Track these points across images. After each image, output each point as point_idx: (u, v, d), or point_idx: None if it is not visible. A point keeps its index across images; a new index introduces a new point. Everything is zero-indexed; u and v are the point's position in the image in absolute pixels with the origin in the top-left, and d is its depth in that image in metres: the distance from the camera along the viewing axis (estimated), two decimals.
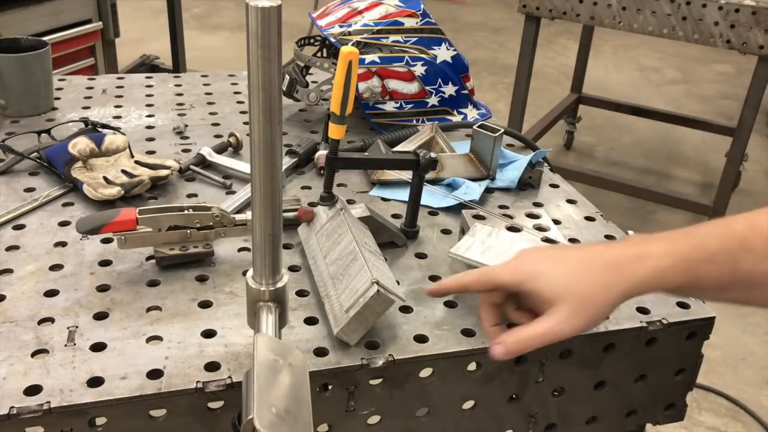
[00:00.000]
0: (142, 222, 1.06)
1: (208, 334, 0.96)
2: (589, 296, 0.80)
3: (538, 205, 1.36)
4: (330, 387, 0.92)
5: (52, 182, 1.31)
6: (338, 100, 1.07)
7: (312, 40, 1.72)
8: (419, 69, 1.59)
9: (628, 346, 1.04)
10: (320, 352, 0.94)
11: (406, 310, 1.04)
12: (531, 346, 0.83)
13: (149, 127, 1.57)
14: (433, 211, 1.31)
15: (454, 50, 1.64)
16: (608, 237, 1.26)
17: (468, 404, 1.00)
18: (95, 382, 0.86)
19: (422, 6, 1.64)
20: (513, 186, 1.40)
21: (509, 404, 1.03)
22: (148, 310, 1.00)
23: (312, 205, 1.22)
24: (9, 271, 1.07)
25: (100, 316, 0.98)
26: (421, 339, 0.98)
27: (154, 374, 0.88)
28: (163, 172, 1.31)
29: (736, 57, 3.06)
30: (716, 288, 0.82)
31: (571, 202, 1.39)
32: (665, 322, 1.04)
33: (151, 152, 1.46)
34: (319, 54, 1.71)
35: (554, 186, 1.44)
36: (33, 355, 0.90)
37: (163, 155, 1.44)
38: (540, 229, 1.24)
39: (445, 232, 1.25)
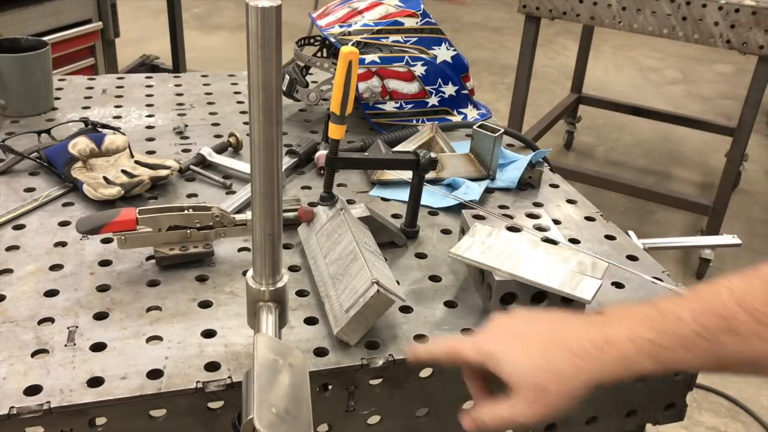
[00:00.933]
0: (142, 222, 1.06)
1: (208, 334, 0.96)
2: (549, 386, 0.75)
3: (538, 205, 1.36)
4: (330, 387, 0.92)
5: (52, 182, 1.31)
6: (338, 100, 1.07)
7: (312, 40, 1.72)
8: (419, 69, 1.59)
9: None
10: (320, 352, 0.94)
11: (406, 310, 1.04)
12: (494, 428, 0.80)
13: (149, 127, 1.57)
14: (433, 211, 1.31)
15: (454, 50, 1.64)
16: (608, 237, 1.26)
17: (468, 404, 1.00)
18: (95, 382, 0.86)
19: (422, 6, 1.64)
20: (513, 186, 1.40)
21: None
22: (148, 310, 1.00)
23: (312, 205, 1.22)
24: (9, 271, 1.07)
25: (100, 316, 0.98)
26: (421, 339, 0.98)
27: (154, 374, 0.88)
28: (163, 172, 1.31)
29: (736, 57, 3.06)
30: (700, 369, 0.74)
31: (571, 202, 1.39)
32: None
33: (151, 152, 1.46)
34: (319, 54, 1.71)
35: (554, 186, 1.44)
36: (33, 355, 0.90)
37: (163, 155, 1.44)
38: (540, 229, 1.24)
39: (445, 232, 1.25)
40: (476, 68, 5.15)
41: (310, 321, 1.00)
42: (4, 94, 1.56)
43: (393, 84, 1.58)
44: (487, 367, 0.80)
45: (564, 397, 0.75)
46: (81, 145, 1.32)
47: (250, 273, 0.86)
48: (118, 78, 1.84)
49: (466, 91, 1.67)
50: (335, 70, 1.07)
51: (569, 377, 0.74)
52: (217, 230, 1.11)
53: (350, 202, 1.31)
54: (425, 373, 0.96)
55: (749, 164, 3.92)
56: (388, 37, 1.59)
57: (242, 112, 1.68)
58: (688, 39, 2.80)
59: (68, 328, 0.95)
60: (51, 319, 0.97)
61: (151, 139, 1.52)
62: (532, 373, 0.76)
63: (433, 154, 1.18)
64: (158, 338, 0.95)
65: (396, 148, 1.45)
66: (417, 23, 1.61)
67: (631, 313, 0.75)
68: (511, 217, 1.27)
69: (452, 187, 1.38)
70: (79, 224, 1.07)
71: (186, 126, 1.57)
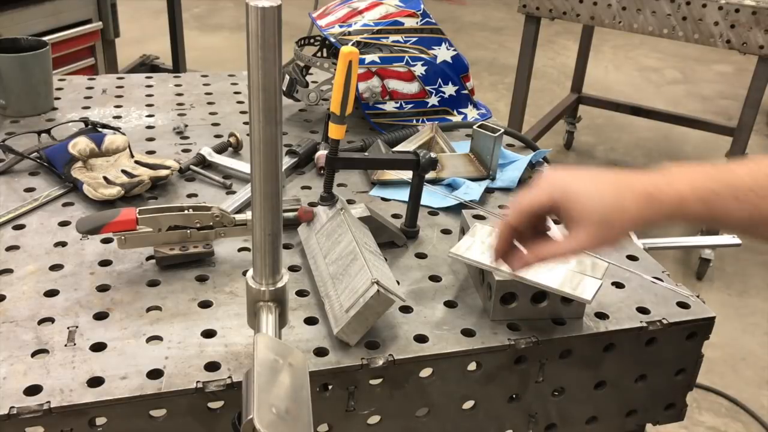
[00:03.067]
0: (142, 222, 1.06)
1: (208, 334, 0.96)
2: (614, 221, 0.83)
3: None
4: (330, 387, 0.92)
5: (52, 182, 1.31)
6: (338, 100, 1.07)
7: (312, 40, 1.72)
8: (419, 69, 1.59)
9: (628, 346, 1.04)
10: (320, 352, 0.94)
11: (406, 310, 1.04)
12: (548, 259, 0.88)
13: (149, 127, 1.57)
14: (433, 211, 1.31)
15: (454, 50, 1.64)
16: None
17: (468, 404, 1.00)
18: (95, 382, 0.86)
19: (422, 6, 1.64)
20: (513, 186, 1.40)
21: (509, 404, 1.03)
22: (148, 310, 1.00)
23: (312, 205, 1.22)
24: (9, 271, 1.07)
25: (100, 316, 0.98)
26: (421, 339, 0.98)
27: (154, 374, 0.88)
28: (163, 172, 1.31)
29: (736, 57, 3.06)
30: (741, 225, 0.82)
31: None
32: (665, 322, 1.04)
33: (151, 152, 1.46)
34: (319, 54, 1.71)
35: None
36: (33, 355, 0.90)
37: (163, 155, 1.44)
38: None
39: (445, 232, 1.25)
40: (476, 68, 5.15)
41: (310, 321, 1.00)
42: (4, 94, 1.56)
43: (393, 84, 1.58)
44: (559, 204, 0.86)
45: (623, 232, 0.85)
46: (81, 145, 1.32)
47: (250, 273, 0.86)
48: (118, 78, 1.84)
49: (466, 91, 1.67)
50: (335, 70, 1.07)
51: (632, 214, 0.83)
52: (217, 230, 1.11)
53: (350, 202, 1.31)
54: (425, 373, 0.96)
55: None
56: (388, 37, 1.59)
57: (242, 112, 1.68)
58: (688, 39, 2.80)
59: (68, 328, 0.95)
60: (51, 319, 0.97)
61: (151, 139, 1.52)
62: (603, 208, 0.83)
63: (433, 154, 1.18)
64: (158, 338, 0.95)
65: (396, 148, 1.45)
66: (417, 23, 1.61)
67: (693, 167, 0.84)
68: None
69: (452, 187, 1.38)
70: (79, 224, 1.07)
71: (186, 126, 1.57)
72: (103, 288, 1.04)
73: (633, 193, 0.83)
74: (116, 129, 1.50)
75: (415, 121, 1.62)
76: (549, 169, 0.90)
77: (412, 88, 1.60)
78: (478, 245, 1.06)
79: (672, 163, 0.86)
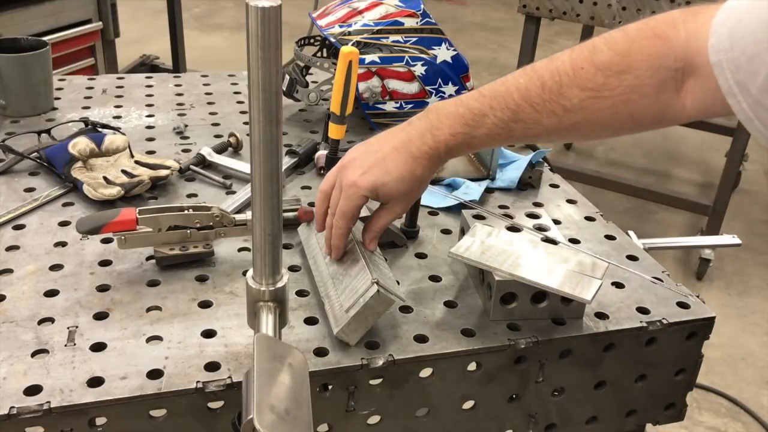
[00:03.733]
0: (142, 222, 1.06)
1: (208, 334, 0.96)
2: (411, 191, 1.01)
3: (538, 205, 1.36)
4: (330, 387, 0.92)
5: (52, 182, 1.31)
6: (338, 100, 1.07)
7: (312, 40, 1.72)
8: (419, 69, 1.59)
9: (628, 346, 1.04)
10: (320, 352, 0.94)
11: (406, 310, 1.04)
12: (378, 230, 1.05)
13: (149, 127, 1.57)
14: (433, 211, 1.31)
15: (454, 50, 1.64)
16: (608, 237, 1.26)
17: (468, 404, 1.00)
18: (95, 382, 0.86)
19: (422, 6, 1.64)
20: (513, 186, 1.40)
21: (509, 404, 1.03)
22: (148, 310, 1.00)
23: (312, 205, 1.22)
24: (9, 271, 1.07)
25: (100, 316, 0.98)
26: (421, 339, 0.98)
27: (154, 374, 0.88)
28: (163, 172, 1.31)
29: None
30: (495, 146, 1.15)
31: (571, 202, 1.39)
32: (665, 322, 1.04)
33: (151, 152, 1.46)
34: (319, 54, 1.71)
35: (554, 186, 1.44)
36: (33, 355, 0.90)
37: (163, 155, 1.44)
38: (540, 229, 1.24)
39: (445, 232, 1.25)
40: (476, 68, 5.14)
41: (310, 321, 1.00)
42: (4, 94, 1.56)
43: (393, 84, 1.58)
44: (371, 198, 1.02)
45: (419, 185, 1.02)
46: (81, 145, 1.32)
47: (250, 273, 0.86)
48: (118, 78, 1.84)
49: (466, 91, 1.67)
50: (335, 70, 1.07)
51: (419, 174, 0.99)
52: (217, 230, 1.11)
53: None
54: (425, 373, 0.96)
55: (749, 164, 3.92)
56: (388, 37, 1.59)
57: (242, 112, 1.68)
58: None
59: (68, 328, 0.95)
60: (51, 319, 0.97)
61: (151, 139, 1.52)
62: (398, 187, 0.99)
63: None
64: (158, 338, 0.95)
65: None
66: (417, 23, 1.61)
67: (449, 115, 0.98)
68: (511, 217, 1.27)
69: (452, 187, 1.38)
70: (79, 224, 1.07)
71: (186, 126, 1.57)
72: (103, 288, 1.04)
73: (412, 158, 0.98)
74: (116, 129, 1.50)
75: None
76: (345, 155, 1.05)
77: (412, 88, 1.60)
78: (478, 245, 1.06)
79: (432, 110, 1.00)
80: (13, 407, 0.81)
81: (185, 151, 1.47)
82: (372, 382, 0.93)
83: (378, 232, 1.05)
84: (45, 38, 1.65)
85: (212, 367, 0.90)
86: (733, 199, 3.30)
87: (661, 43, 0.86)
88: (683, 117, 0.89)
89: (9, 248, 1.12)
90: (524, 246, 1.06)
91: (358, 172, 0.99)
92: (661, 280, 1.14)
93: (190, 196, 1.32)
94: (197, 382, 0.87)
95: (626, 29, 0.91)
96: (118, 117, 1.61)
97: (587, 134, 0.96)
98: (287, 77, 1.61)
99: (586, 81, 0.89)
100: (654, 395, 1.10)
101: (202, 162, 1.40)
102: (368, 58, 1.56)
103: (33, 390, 0.84)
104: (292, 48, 1.66)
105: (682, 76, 0.86)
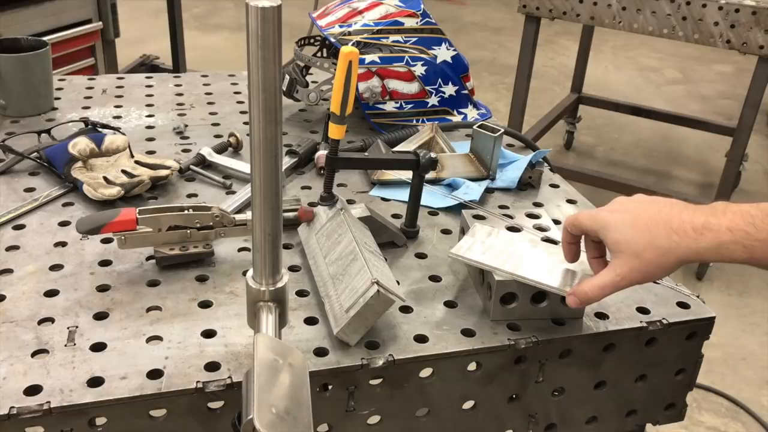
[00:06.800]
0: (142, 222, 1.06)
1: (208, 334, 0.96)
2: (645, 255, 0.87)
3: (538, 205, 1.36)
4: (330, 387, 0.92)
5: (52, 182, 1.31)
6: (338, 100, 1.07)
7: (312, 40, 1.72)
8: (419, 69, 1.59)
9: (628, 346, 1.04)
10: (320, 352, 0.94)
11: (406, 310, 1.04)
12: (596, 296, 0.92)
13: (149, 127, 1.57)
14: (433, 211, 1.31)
15: (454, 50, 1.64)
16: None
17: (468, 404, 1.00)
18: (95, 382, 0.86)
19: (422, 6, 1.64)
20: (513, 186, 1.40)
21: (509, 404, 1.03)
22: (148, 310, 1.00)
23: (312, 205, 1.22)
24: (9, 271, 1.07)
25: (100, 316, 0.98)
26: (421, 339, 0.98)
27: (154, 374, 0.88)
28: (163, 172, 1.31)
29: (736, 57, 3.06)
30: None
31: (571, 202, 1.39)
32: (665, 322, 1.04)
33: (151, 152, 1.46)
34: (319, 54, 1.71)
35: (554, 186, 1.44)
36: (33, 355, 0.90)
37: (163, 155, 1.44)
38: (540, 229, 1.24)
39: (445, 232, 1.25)
40: (476, 68, 5.14)
41: (310, 321, 1.00)
42: (4, 94, 1.56)
43: (393, 84, 1.58)
44: (598, 234, 0.92)
45: (658, 267, 0.87)
46: (81, 145, 1.32)
47: (250, 273, 0.86)
48: (118, 78, 1.84)
49: (466, 91, 1.67)
50: (335, 70, 1.07)
51: (665, 250, 0.86)
52: (217, 230, 1.11)
53: (350, 202, 1.31)
54: (425, 373, 0.96)
55: (749, 164, 3.92)
56: (388, 37, 1.59)
57: (242, 112, 1.68)
58: (688, 39, 2.80)
59: (68, 328, 0.95)
60: (51, 319, 0.97)
61: (151, 139, 1.52)
62: (634, 241, 0.87)
63: (433, 154, 1.18)
64: (158, 338, 0.95)
65: (396, 148, 1.45)
66: (417, 23, 1.61)
67: (736, 208, 0.84)
68: (511, 217, 1.27)
69: (452, 187, 1.38)
70: (79, 224, 1.07)
71: (186, 126, 1.57)
72: (103, 288, 1.04)
73: (667, 229, 0.86)
74: (116, 129, 1.50)
75: (415, 121, 1.62)
76: (617, 198, 0.96)
77: (412, 88, 1.60)
78: (478, 245, 1.06)
79: (717, 203, 0.87)
80: (13, 407, 0.81)
81: (185, 151, 1.47)
82: (372, 382, 0.93)
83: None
84: (45, 38, 1.65)
85: (212, 367, 0.90)
86: (733, 199, 3.29)
87: None
88: None
89: (9, 248, 1.12)
90: (524, 246, 1.06)
91: None
92: (661, 280, 1.14)
93: (190, 196, 1.32)
94: (197, 382, 0.87)
95: None
96: (118, 117, 1.61)
97: None
98: (287, 77, 1.61)
99: None
100: (654, 395, 1.10)
101: (202, 162, 1.40)
102: (368, 58, 1.56)
103: (33, 390, 0.84)
104: (292, 48, 1.66)
105: None
